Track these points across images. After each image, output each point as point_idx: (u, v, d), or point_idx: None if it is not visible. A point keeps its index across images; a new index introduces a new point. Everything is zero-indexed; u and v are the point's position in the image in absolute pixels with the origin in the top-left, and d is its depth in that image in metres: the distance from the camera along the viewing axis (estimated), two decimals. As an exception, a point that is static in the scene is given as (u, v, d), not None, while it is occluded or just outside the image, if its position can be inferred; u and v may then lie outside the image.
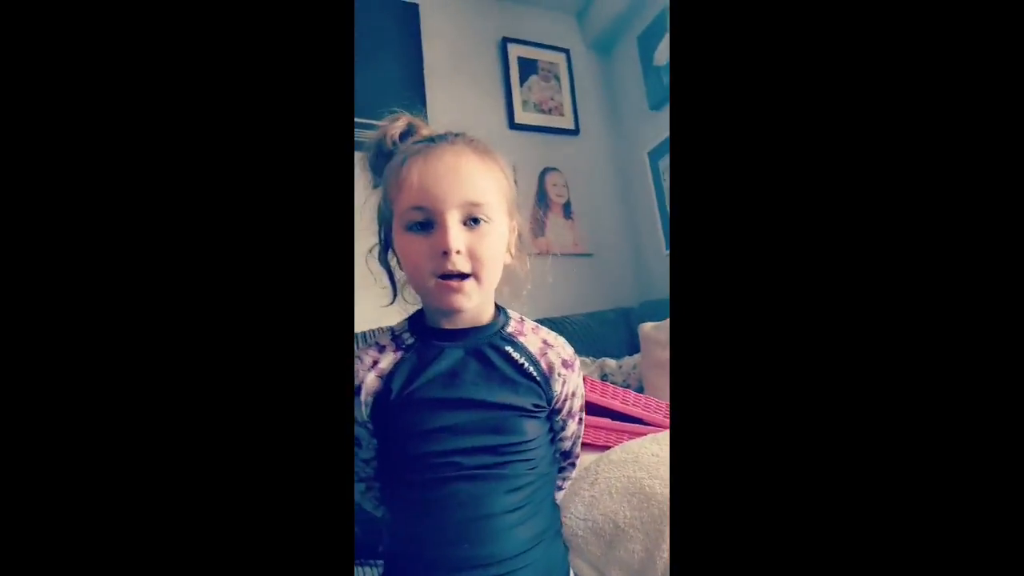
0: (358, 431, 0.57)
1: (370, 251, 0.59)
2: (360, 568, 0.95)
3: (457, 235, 0.50)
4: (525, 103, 1.90)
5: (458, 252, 0.50)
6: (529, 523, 0.53)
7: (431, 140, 0.54)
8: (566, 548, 0.61)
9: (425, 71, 1.73)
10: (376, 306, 0.59)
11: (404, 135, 0.56)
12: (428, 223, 0.51)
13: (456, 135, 0.55)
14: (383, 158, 0.56)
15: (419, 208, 0.50)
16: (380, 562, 0.91)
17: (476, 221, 0.51)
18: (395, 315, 0.60)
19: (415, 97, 1.67)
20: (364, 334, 1.27)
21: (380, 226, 0.58)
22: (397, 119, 0.57)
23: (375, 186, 0.58)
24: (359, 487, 0.63)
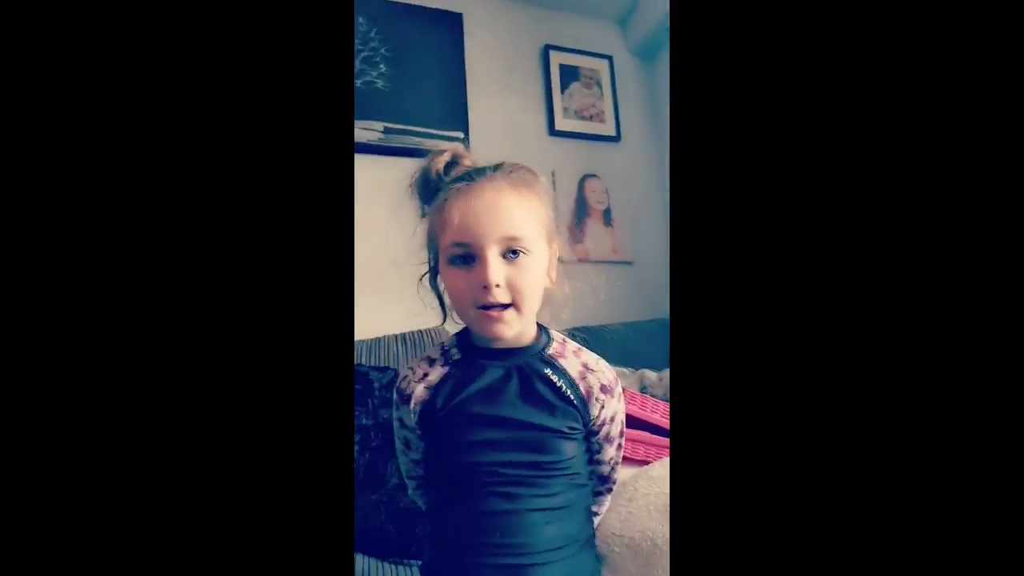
0: (408, 435, 0.63)
1: (421, 279, 0.63)
2: (396, 567, 0.98)
3: (496, 269, 0.53)
4: (566, 110, 1.90)
5: (497, 286, 0.53)
6: (558, 524, 0.56)
7: (471, 177, 0.57)
8: (599, 561, 0.63)
9: (467, 78, 1.75)
10: (431, 321, 0.63)
11: (448, 167, 0.59)
12: (469, 257, 0.54)
13: (495, 168, 0.58)
14: (429, 188, 0.60)
15: (461, 244, 0.54)
16: (416, 562, 0.94)
17: (515, 253, 0.54)
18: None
19: (458, 105, 1.70)
20: (404, 336, 1.33)
21: (430, 254, 0.62)
22: (442, 152, 0.60)
23: (423, 215, 0.61)
24: (411, 484, 0.69)
